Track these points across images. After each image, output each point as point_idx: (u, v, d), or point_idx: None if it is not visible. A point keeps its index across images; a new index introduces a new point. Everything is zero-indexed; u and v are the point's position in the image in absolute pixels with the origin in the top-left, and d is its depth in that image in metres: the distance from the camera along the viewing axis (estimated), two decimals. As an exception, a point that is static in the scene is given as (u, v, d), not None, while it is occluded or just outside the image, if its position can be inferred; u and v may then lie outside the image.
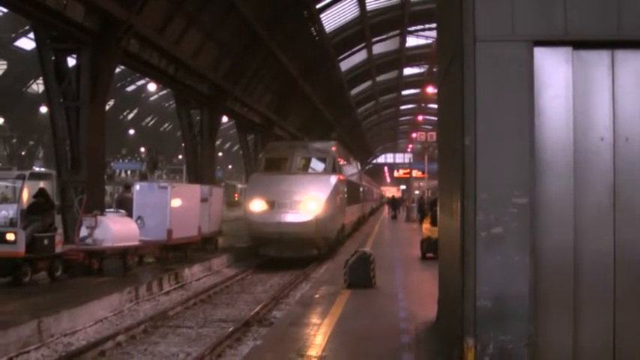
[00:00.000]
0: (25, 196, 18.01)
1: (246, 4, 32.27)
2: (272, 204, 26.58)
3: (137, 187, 24.47)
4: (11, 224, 17.07)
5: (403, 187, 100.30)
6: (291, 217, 26.13)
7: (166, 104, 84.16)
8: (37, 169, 62.65)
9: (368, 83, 71.04)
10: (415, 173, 65.13)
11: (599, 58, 7.80)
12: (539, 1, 7.70)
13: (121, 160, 77.54)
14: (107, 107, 39.08)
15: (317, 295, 16.37)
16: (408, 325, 12.56)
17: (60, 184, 22.40)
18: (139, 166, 68.06)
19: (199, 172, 35.82)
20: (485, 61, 7.66)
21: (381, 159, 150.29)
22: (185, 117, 36.33)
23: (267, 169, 29.31)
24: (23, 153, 76.96)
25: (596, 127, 7.76)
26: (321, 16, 43.32)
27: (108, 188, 46.01)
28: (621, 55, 7.76)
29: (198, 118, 36.94)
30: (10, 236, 16.70)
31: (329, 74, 54.33)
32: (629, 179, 7.71)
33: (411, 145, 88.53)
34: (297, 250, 26.50)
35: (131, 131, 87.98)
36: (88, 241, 19.50)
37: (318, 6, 41.72)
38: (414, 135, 67.57)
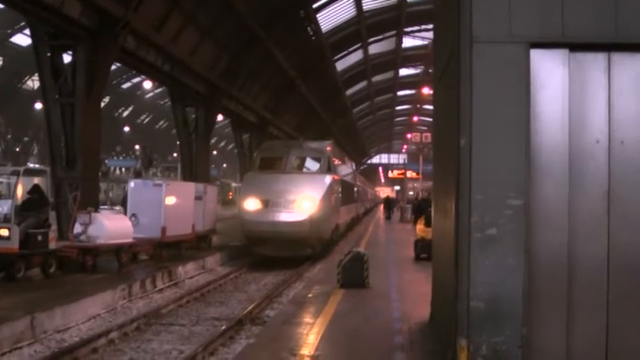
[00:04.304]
0: (20, 192, 18.01)
1: (243, 3, 32.26)
2: (266, 203, 26.53)
3: (131, 184, 24.46)
4: (5, 220, 17.07)
5: (397, 187, 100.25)
6: (285, 216, 26.10)
7: (162, 102, 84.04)
8: (31, 165, 62.50)
9: (363, 83, 71.09)
10: (410, 174, 65.09)
11: (595, 61, 7.81)
12: (537, 3, 7.71)
13: (115, 158, 77.34)
14: (102, 104, 39.03)
15: (310, 295, 16.36)
16: (401, 325, 12.56)
17: (54, 180, 22.40)
18: (134, 163, 67.94)
19: (194, 170, 35.83)
20: (481, 63, 7.67)
21: (375, 159, 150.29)
22: (180, 115, 36.34)
23: (261, 168, 29.24)
24: (18, 149, 76.84)
25: (592, 130, 7.77)
26: (318, 15, 43.36)
27: (102, 185, 45.99)
28: (618, 57, 7.77)
29: (193, 116, 36.94)
30: (4, 232, 16.69)
31: (325, 74, 54.35)
32: (624, 182, 7.72)
33: (405, 146, 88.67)
34: (291, 249, 26.48)
35: (126, 128, 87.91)
36: (82, 237, 19.46)
37: (315, 5, 41.76)
38: (409, 136, 67.59)
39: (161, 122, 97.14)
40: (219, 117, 46.49)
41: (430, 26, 44.91)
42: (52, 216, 20.10)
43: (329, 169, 29.37)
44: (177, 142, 41.59)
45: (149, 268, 21.42)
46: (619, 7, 7.60)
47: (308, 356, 10.31)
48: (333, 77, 57.06)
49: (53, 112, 23.23)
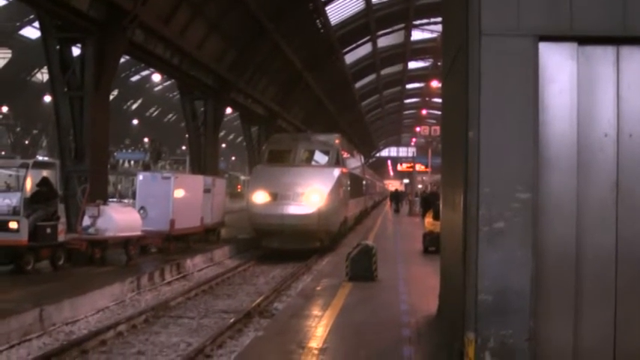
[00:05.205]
0: (29, 184, 18.07)
1: (251, -5, 32.25)
2: (275, 196, 26.56)
3: (140, 177, 24.53)
4: (14, 213, 17.14)
5: (406, 180, 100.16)
6: (293, 209, 26.13)
7: (170, 95, 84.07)
8: (40, 158, 62.61)
9: (372, 76, 70.94)
10: (418, 167, 65.05)
11: (604, 54, 7.77)
12: (545, -5, 7.68)
13: (124, 150, 77.40)
14: (111, 97, 39.08)
15: (319, 288, 16.39)
16: (409, 318, 12.58)
17: (63, 173, 22.44)
18: (143, 156, 68.04)
19: (202, 163, 35.85)
20: (490, 56, 7.63)
21: (384, 152, 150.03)
22: (189, 108, 36.36)
23: (270, 160, 29.26)
24: (27, 142, 76.97)
25: (600, 124, 7.73)
26: (327, 8, 43.27)
27: (111, 178, 46.07)
28: (627, 51, 7.73)
29: (202, 109, 36.96)
30: (13, 224, 16.77)
31: (333, 67, 54.24)
32: (633, 175, 7.68)
33: (414, 139, 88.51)
34: (300, 242, 26.50)
35: (135, 121, 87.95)
36: (91, 230, 19.54)
37: (323, -2, 41.70)
38: (417, 129, 67.50)
39: (170, 115, 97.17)
40: (228, 110, 46.50)
41: (439, 19, 44.82)
42: (61, 209, 20.16)
43: (337, 162, 29.37)
44: (186, 135, 41.59)
45: (157, 260, 21.49)
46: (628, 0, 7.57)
47: (316, 349, 10.34)
48: (341, 70, 56.95)
49: (62, 104, 23.27)
